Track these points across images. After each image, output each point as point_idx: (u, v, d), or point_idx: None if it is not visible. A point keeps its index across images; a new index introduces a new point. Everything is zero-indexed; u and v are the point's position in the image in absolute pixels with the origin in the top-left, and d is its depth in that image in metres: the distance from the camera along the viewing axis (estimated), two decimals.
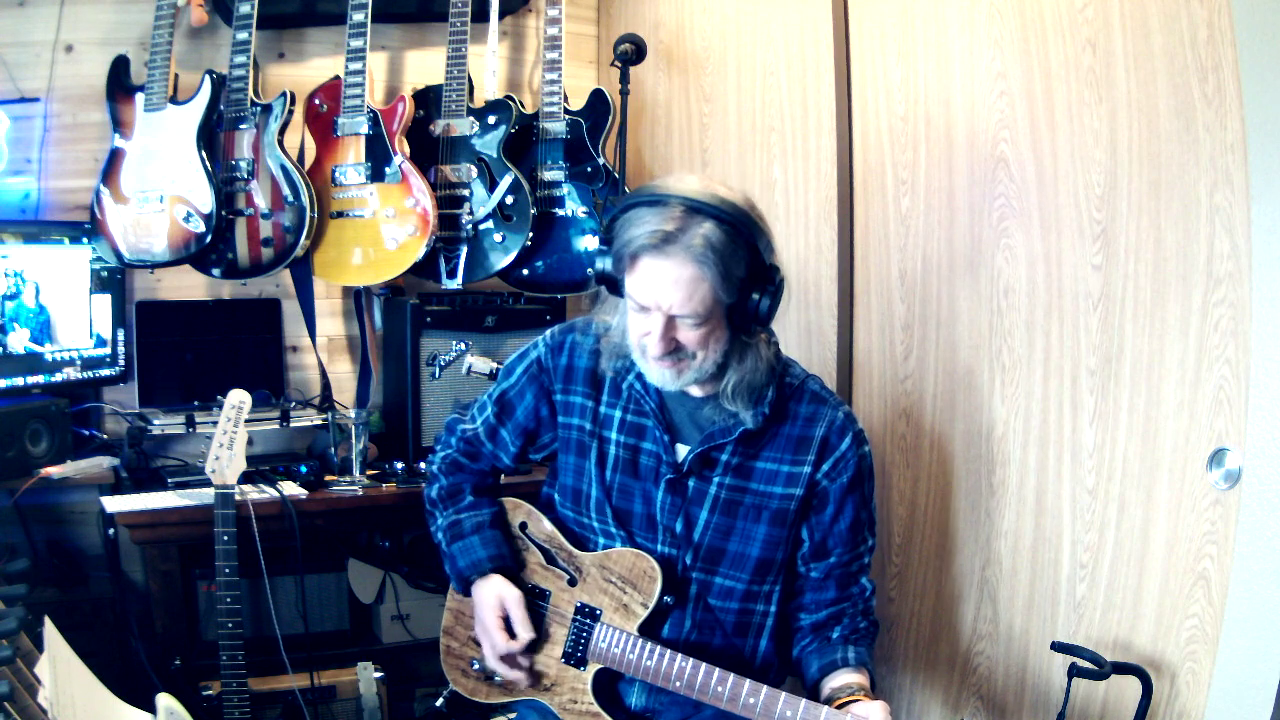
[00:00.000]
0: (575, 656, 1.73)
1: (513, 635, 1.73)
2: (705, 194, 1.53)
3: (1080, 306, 1.86)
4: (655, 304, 1.54)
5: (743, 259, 1.53)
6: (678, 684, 1.63)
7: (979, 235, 2.07)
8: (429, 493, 1.92)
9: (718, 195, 1.54)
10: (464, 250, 2.71)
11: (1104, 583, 1.83)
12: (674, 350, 1.58)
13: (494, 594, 1.75)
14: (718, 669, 1.60)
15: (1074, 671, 1.70)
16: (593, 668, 1.72)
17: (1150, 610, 1.75)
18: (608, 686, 1.75)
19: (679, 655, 1.64)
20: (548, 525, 1.82)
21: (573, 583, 1.76)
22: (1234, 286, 1.60)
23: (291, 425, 2.68)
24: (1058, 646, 1.79)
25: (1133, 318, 1.77)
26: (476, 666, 1.84)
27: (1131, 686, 1.71)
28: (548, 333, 1.84)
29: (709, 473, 1.70)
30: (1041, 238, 1.94)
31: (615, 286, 1.63)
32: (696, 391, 1.69)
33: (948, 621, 2.19)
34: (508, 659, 1.74)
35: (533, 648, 1.76)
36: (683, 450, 1.71)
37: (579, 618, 1.74)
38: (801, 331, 2.52)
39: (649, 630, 1.70)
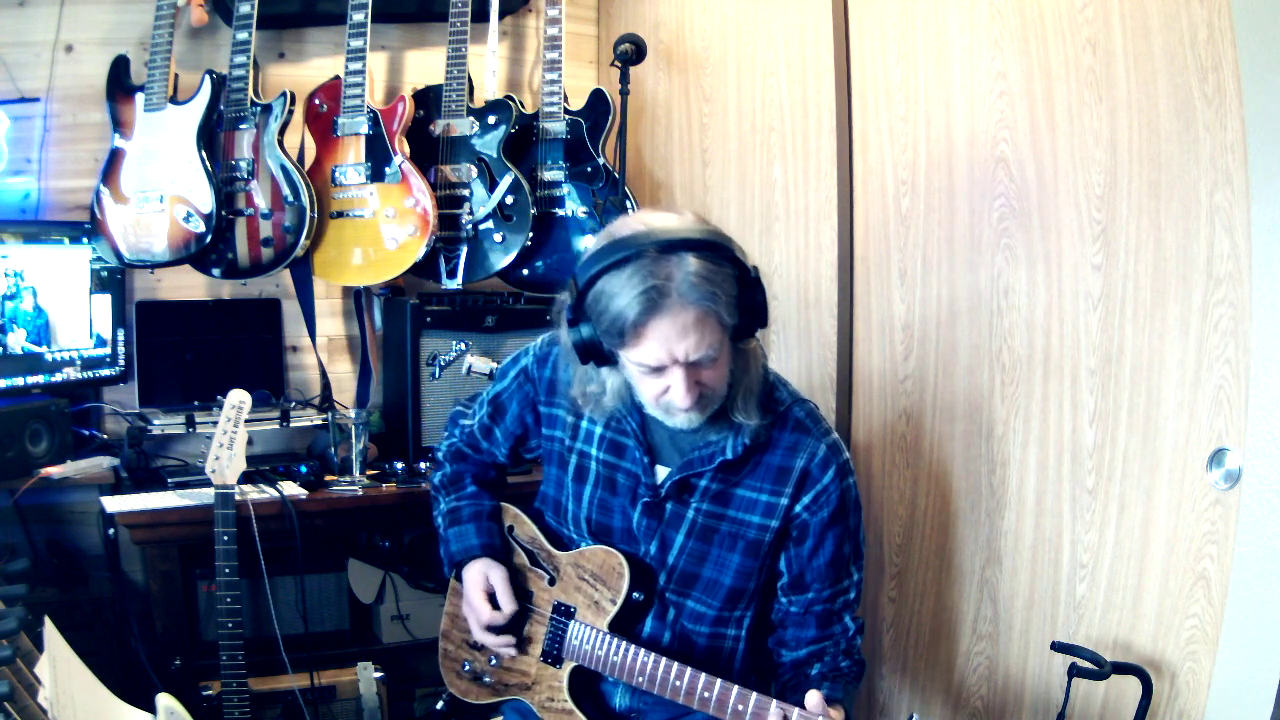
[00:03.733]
0: (552, 655, 1.75)
1: (497, 608, 1.76)
2: (664, 229, 1.47)
3: (1080, 306, 1.86)
4: (670, 359, 1.48)
5: (730, 275, 1.48)
6: (640, 679, 1.63)
7: (979, 235, 2.07)
8: (433, 478, 1.97)
9: (672, 225, 1.48)
10: (464, 250, 2.71)
11: (1104, 583, 1.83)
12: (701, 395, 1.54)
13: (480, 573, 1.79)
14: (676, 663, 1.60)
15: (1074, 671, 1.70)
16: (568, 666, 1.73)
17: (1150, 610, 1.75)
18: (589, 686, 1.76)
19: (642, 650, 1.64)
20: (532, 528, 1.84)
21: (552, 582, 1.78)
22: (1234, 286, 1.60)
23: (291, 425, 2.68)
24: (1058, 646, 1.79)
25: (1133, 318, 1.77)
26: (468, 668, 1.87)
27: (1131, 686, 1.71)
28: (537, 341, 1.84)
29: (688, 497, 1.67)
30: (1041, 238, 1.94)
31: (601, 359, 1.56)
32: None
33: (948, 621, 2.19)
34: (492, 629, 1.76)
35: (520, 647, 1.79)
36: (662, 472, 1.69)
37: (555, 616, 1.76)
38: (801, 331, 2.52)
39: (623, 629, 1.70)
